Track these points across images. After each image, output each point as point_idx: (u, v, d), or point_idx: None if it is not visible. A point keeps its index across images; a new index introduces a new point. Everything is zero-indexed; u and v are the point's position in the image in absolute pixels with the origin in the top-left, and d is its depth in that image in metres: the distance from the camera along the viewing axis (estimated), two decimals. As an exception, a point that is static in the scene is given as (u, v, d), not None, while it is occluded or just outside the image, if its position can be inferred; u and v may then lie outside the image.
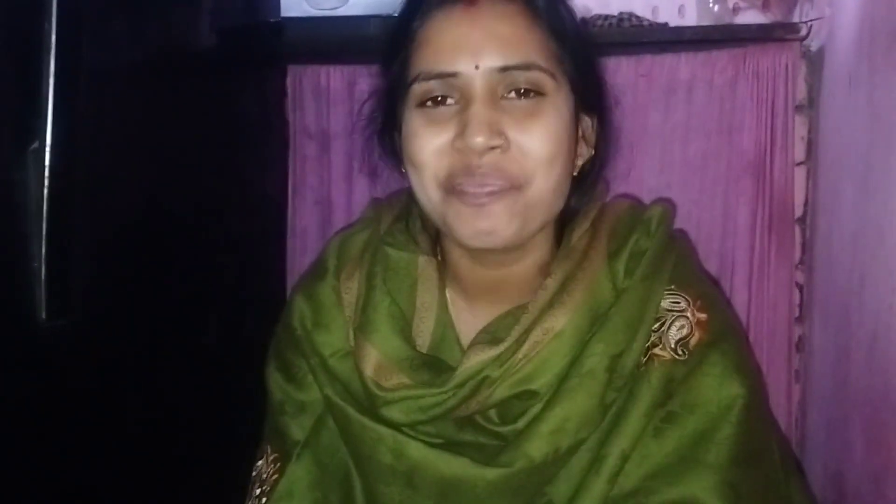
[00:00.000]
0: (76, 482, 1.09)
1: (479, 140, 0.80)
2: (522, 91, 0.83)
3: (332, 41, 1.82)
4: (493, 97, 0.82)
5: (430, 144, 0.84)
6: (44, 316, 1.00)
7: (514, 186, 0.82)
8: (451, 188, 0.84)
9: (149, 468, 1.23)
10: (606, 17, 1.81)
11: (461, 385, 0.84)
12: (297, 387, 0.96)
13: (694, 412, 0.85)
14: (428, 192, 0.86)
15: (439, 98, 0.84)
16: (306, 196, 1.95)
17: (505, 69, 0.82)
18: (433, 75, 0.83)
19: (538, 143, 0.82)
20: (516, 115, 0.82)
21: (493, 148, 0.81)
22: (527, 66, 0.83)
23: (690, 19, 1.88)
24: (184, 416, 1.33)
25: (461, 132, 0.81)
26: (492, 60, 0.82)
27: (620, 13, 1.82)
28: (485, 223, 0.83)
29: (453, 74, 0.82)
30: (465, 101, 0.83)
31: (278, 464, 0.96)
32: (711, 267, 1.75)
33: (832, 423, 1.54)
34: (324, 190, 1.94)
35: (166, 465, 1.28)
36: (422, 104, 0.85)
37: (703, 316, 0.88)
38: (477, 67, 0.82)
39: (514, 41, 0.83)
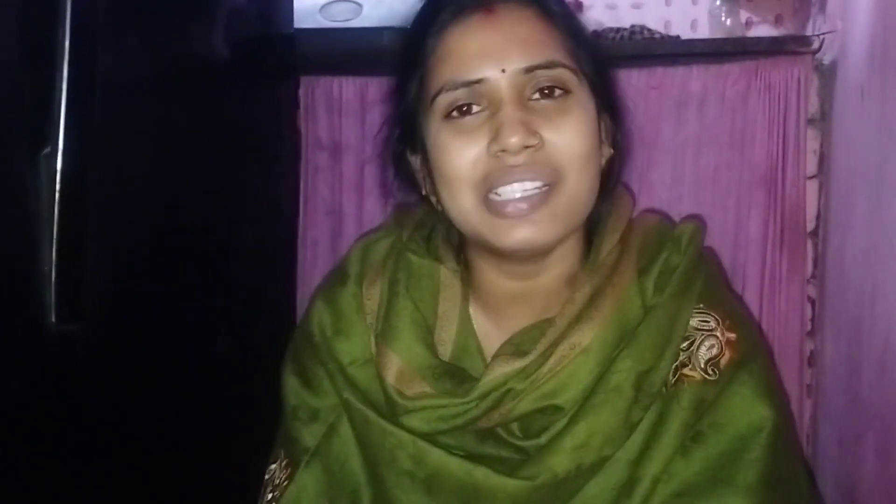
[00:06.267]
0: (85, 489, 1.09)
1: (514, 140, 0.80)
2: (548, 90, 0.84)
3: (345, 52, 1.84)
4: (521, 99, 0.83)
5: (463, 155, 0.83)
6: (54, 320, 1.01)
7: (550, 183, 0.82)
8: (485, 199, 0.83)
9: (159, 475, 1.23)
10: (618, 29, 1.81)
11: (484, 396, 0.84)
12: (312, 393, 0.96)
13: (722, 431, 0.83)
14: (462, 204, 0.85)
15: (465, 107, 0.84)
16: (318, 206, 1.95)
17: (530, 69, 0.82)
18: (459, 84, 0.83)
19: (571, 139, 0.83)
20: (546, 115, 0.82)
21: (528, 147, 0.81)
22: (551, 65, 0.83)
23: (703, 33, 1.88)
24: (194, 424, 1.33)
25: (496, 136, 0.81)
26: (517, 62, 0.82)
27: (632, 26, 1.82)
28: (525, 232, 0.83)
29: (479, 81, 0.82)
30: (493, 107, 0.83)
31: (289, 469, 0.95)
32: (723, 280, 1.74)
33: (845, 437, 1.53)
34: (335, 200, 1.94)
35: (177, 472, 1.28)
36: (448, 115, 0.84)
37: (732, 335, 0.87)
38: (503, 71, 0.82)
39: (535, 42, 0.84)
